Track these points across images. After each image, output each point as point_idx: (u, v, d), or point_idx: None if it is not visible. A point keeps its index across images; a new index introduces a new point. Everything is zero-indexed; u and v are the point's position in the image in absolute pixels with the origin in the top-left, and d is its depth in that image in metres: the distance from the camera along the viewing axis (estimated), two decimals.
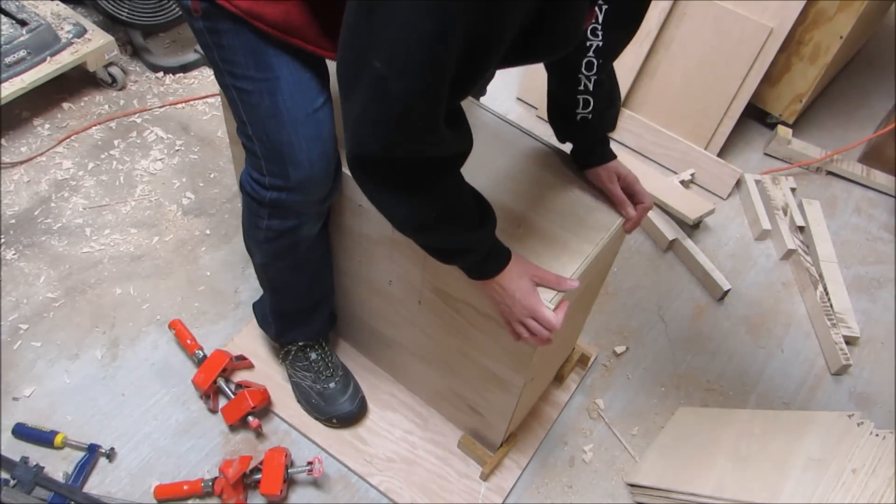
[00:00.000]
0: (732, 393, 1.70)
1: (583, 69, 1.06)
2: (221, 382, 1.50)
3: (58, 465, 1.41)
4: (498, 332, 1.14)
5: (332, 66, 0.98)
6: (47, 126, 2.02)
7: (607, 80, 1.10)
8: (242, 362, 1.56)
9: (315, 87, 1.06)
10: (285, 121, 1.04)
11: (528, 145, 1.23)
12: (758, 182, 2.16)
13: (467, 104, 1.26)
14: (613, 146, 1.17)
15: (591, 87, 1.07)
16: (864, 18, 2.10)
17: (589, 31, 1.01)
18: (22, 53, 1.87)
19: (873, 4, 2.09)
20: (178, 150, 2.01)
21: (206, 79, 2.23)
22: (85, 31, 2.01)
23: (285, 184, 1.10)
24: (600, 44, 1.02)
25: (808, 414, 1.39)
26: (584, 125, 1.13)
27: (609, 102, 1.13)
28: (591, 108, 1.10)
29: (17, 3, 1.95)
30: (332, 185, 1.14)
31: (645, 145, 2.22)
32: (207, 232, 1.83)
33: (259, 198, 1.15)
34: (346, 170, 1.13)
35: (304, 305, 1.42)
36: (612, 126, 1.18)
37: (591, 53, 1.03)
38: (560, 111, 1.16)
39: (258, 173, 1.13)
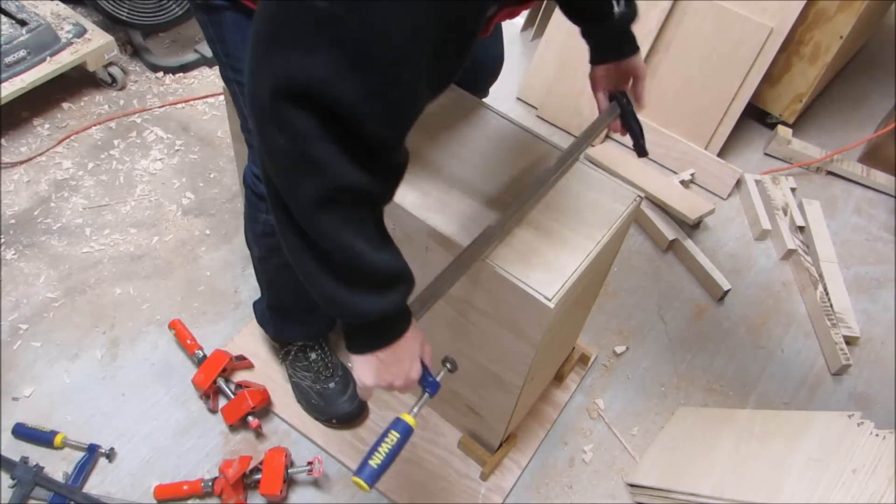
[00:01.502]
0: (732, 393, 1.70)
1: None
2: (221, 382, 1.50)
3: (58, 465, 1.41)
4: (497, 332, 1.14)
5: None
6: (47, 126, 2.02)
7: None
8: (242, 362, 1.56)
9: None
10: None
11: (530, 144, 1.23)
12: (758, 182, 2.16)
13: (472, 103, 1.26)
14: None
15: None
16: (864, 18, 2.10)
17: None
18: (22, 53, 1.87)
19: (873, 4, 2.09)
20: (178, 150, 2.01)
21: (206, 79, 2.23)
22: (85, 31, 2.01)
23: None
24: None
25: (808, 414, 1.38)
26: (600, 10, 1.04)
27: None
28: None
29: (17, 3, 1.95)
30: None
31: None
32: (207, 232, 1.83)
33: (259, 191, 1.16)
34: None
35: (301, 305, 1.42)
36: (632, 15, 1.07)
37: None
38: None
39: (258, 168, 1.13)
